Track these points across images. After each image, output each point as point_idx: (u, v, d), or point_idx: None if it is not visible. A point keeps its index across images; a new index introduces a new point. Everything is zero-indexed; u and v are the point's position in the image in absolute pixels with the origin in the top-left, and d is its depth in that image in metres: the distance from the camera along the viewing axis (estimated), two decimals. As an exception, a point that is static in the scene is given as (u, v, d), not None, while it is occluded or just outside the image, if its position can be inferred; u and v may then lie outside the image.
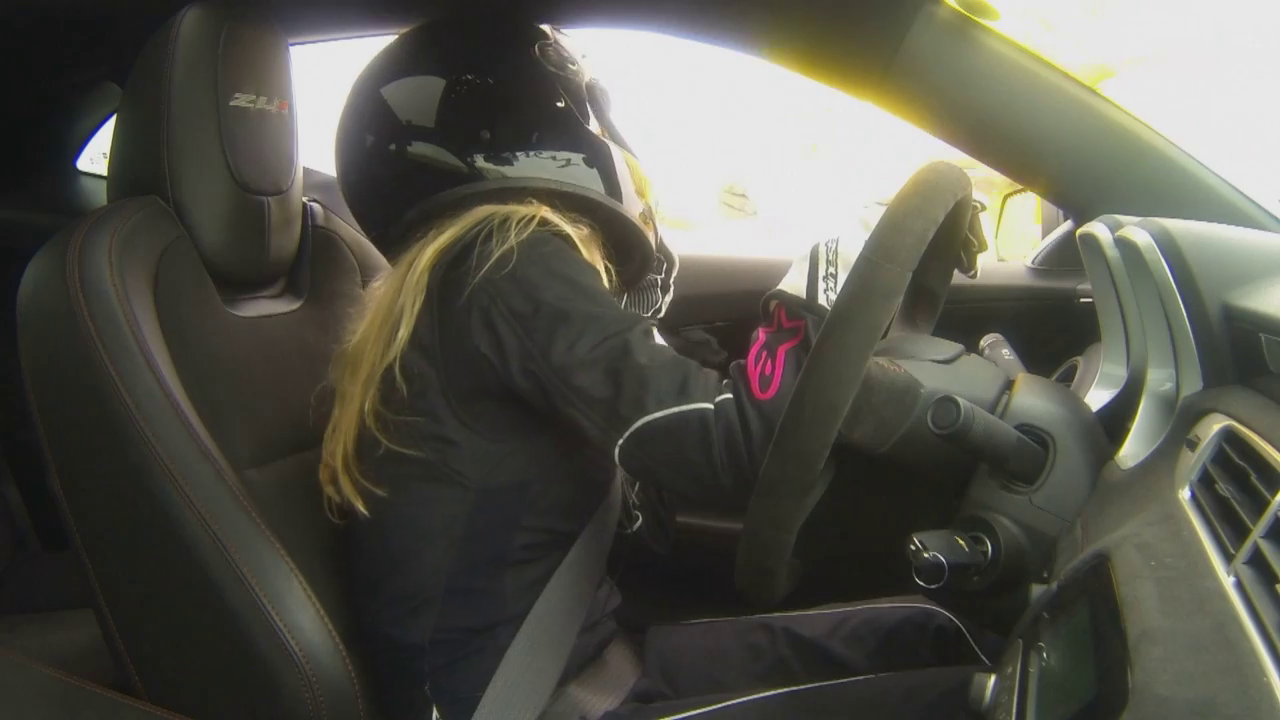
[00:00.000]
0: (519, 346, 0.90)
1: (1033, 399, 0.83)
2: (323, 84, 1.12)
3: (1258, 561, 0.50)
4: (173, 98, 0.98)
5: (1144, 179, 1.08)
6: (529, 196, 1.00)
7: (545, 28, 1.12)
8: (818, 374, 0.71)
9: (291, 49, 1.11)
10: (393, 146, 1.03)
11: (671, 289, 1.25)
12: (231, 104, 1.00)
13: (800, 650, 1.12)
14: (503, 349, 0.90)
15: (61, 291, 0.89)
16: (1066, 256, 1.45)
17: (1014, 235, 1.67)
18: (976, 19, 1.07)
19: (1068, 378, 1.11)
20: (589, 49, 1.14)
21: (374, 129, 1.05)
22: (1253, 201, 1.07)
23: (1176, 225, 0.79)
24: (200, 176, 1.00)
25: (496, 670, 0.96)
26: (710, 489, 0.86)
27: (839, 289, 0.82)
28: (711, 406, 0.86)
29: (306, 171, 1.15)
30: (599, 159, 1.06)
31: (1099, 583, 0.57)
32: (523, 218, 0.94)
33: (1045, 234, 1.60)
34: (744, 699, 0.99)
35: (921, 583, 0.76)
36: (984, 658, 1.07)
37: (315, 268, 1.18)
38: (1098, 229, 0.91)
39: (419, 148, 1.03)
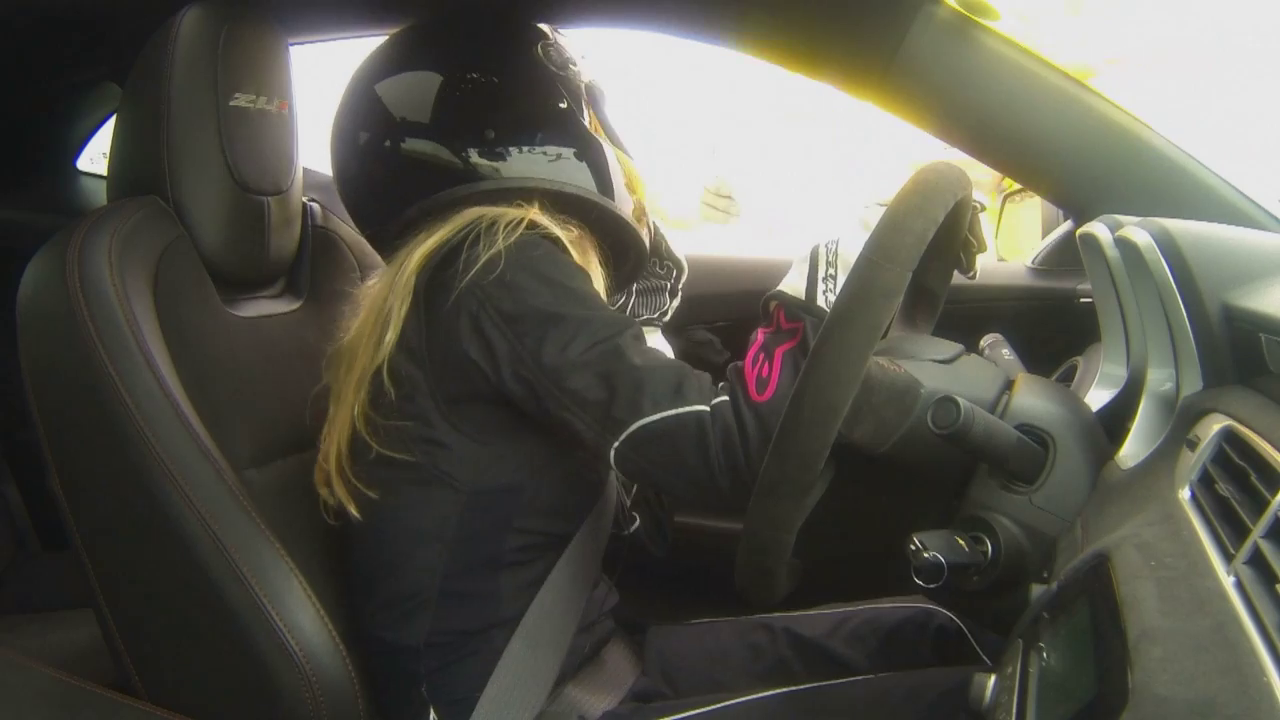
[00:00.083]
0: (510, 351, 0.90)
1: (1033, 399, 0.83)
2: (323, 84, 1.12)
3: (1258, 561, 0.50)
4: (172, 98, 0.98)
5: (1144, 179, 1.08)
6: (527, 197, 1.00)
7: (545, 28, 1.12)
8: (818, 374, 0.71)
9: (291, 49, 1.11)
10: (387, 143, 1.03)
11: (679, 294, 1.25)
12: (231, 104, 1.00)
13: (801, 650, 1.12)
14: (493, 354, 0.90)
15: (61, 291, 0.89)
16: (1066, 256, 1.45)
17: (1017, 241, 1.67)
18: (976, 19, 1.07)
19: (1068, 378, 1.11)
20: (587, 50, 1.14)
21: (368, 126, 1.05)
22: (1253, 201, 1.07)
23: (1176, 225, 0.79)
24: (200, 176, 1.00)
25: (493, 671, 0.96)
26: (707, 491, 0.86)
27: (839, 290, 0.82)
28: (707, 409, 0.86)
29: (306, 171, 1.15)
30: (599, 160, 1.06)
31: (1099, 583, 0.57)
32: (510, 220, 0.93)
33: (1045, 234, 1.60)
34: (744, 699, 0.99)
35: (921, 583, 0.76)
36: (985, 658, 1.07)
37: (315, 268, 1.18)
38: (1098, 229, 0.91)
39: (414, 144, 1.02)
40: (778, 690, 0.99)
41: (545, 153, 1.03)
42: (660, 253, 1.22)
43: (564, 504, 1.01)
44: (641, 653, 1.13)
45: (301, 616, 0.90)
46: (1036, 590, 0.69)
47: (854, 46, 1.13)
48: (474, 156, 1.02)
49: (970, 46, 1.08)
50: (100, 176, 1.78)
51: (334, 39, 1.43)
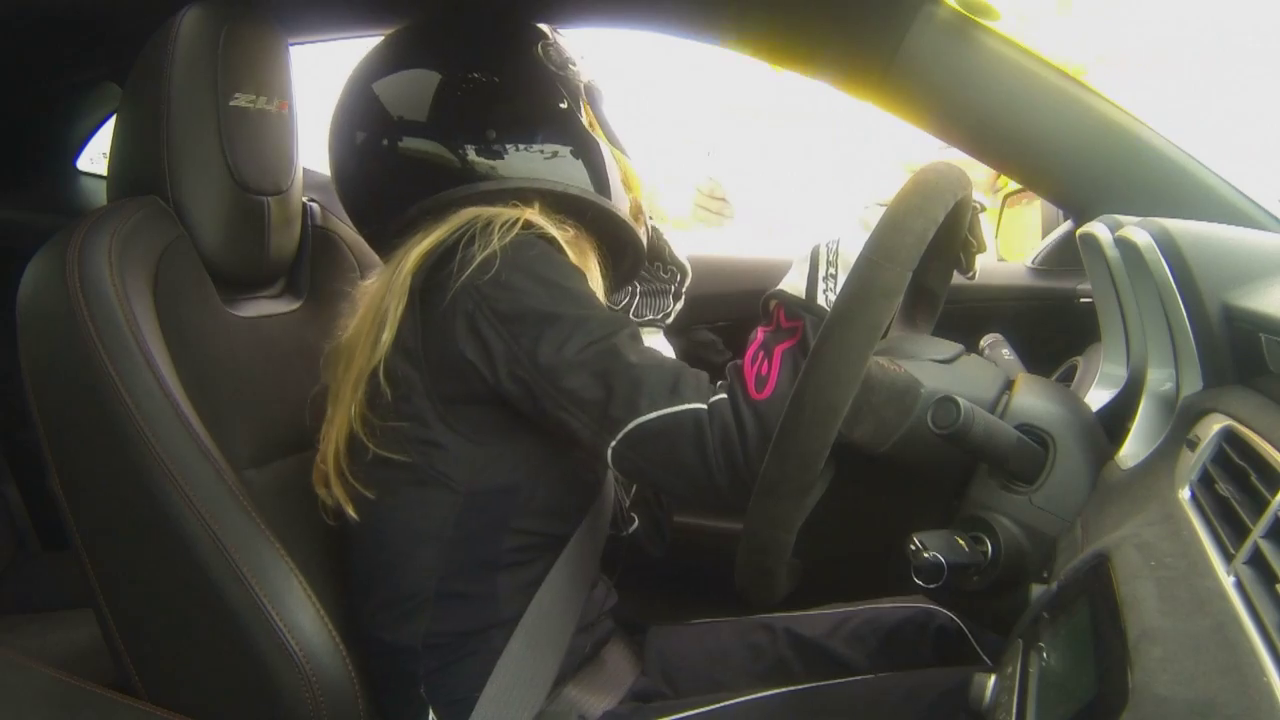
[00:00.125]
0: (506, 351, 0.90)
1: (1033, 399, 0.83)
2: (323, 84, 1.12)
3: (1258, 561, 0.50)
4: (172, 98, 0.97)
5: (1144, 179, 1.08)
6: (526, 197, 1.00)
7: (544, 28, 1.12)
8: (818, 373, 0.71)
9: (291, 49, 1.11)
10: (385, 142, 1.03)
11: (683, 297, 1.25)
12: (231, 104, 1.00)
13: (801, 650, 1.12)
14: (490, 354, 0.90)
15: (61, 291, 0.89)
16: (1066, 256, 1.45)
17: (1018, 242, 1.67)
18: (976, 19, 1.07)
19: (1068, 378, 1.11)
20: (586, 50, 1.14)
21: (366, 125, 1.05)
22: (1253, 201, 1.07)
23: (1176, 225, 0.79)
24: (200, 176, 1.00)
25: (492, 672, 0.96)
26: (705, 490, 0.86)
27: (839, 289, 0.82)
28: (705, 407, 0.86)
29: (306, 172, 1.15)
30: (598, 160, 1.06)
31: (1099, 583, 0.57)
32: (506, 221, 0.93)
33: (1045, 234, 1.60)
34: (744, 698, 0.99)
35: (921, 583, 0.76)
36: (985, 658, 1.07)
37: (315, 268, 1.18)
38: (1098, 229, 0.91)
39: (411, 143, 1.02)
40: (778, 690, 0.99)
41: (545, 152, 1.03)
42: (664, 257, 1.22)
43: (561, 504, 1.01)
44: (641, 653, 1.13)
45: (301, 616, 0.90)
46: (1036, 590, 0.69)
47: (854, 46, 1.13)
48: (473, 155, 1.01)
49: (970, 46, 1.08)
50: (100, 176, 1.78)
51: (334, 39, 1.43)
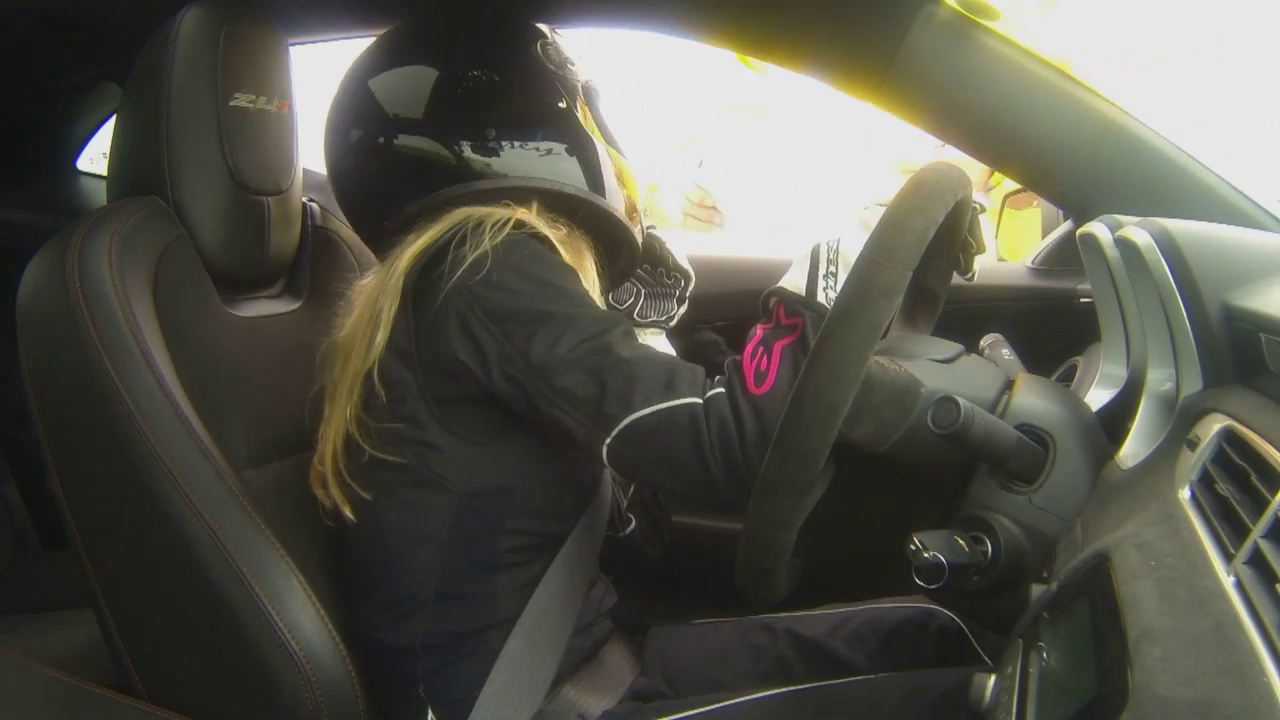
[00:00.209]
0: (498, 351, 0.89)
1: (1033, 399, 0.83)
2: (323, 84, 1.12)
3: (1258, 561, 0.50)
4: (172, 98, 0.98)
5: (1144, 179, 1.08)
6: (524, 196, 1.00)
7: (543, 27, 1.12)
8: (818, 373, 0.71)
9: (291, 49, 1.11)
10: (381, 140, 1.03)
11: (687, 301, 1.25)
12: (231, 104, 1.00)
13: (802, 650, 1.12)
14: (483, 354, 0.90)
15: (61, 292, 0.89)
16: (1066, 256, 1.45)
17: (1018, 243, 1.67)
18: (976, 19, 1.07)
19: (1068, 378, 1.11)
20: (583, 49, 1.14)
21: (361, 122, 1.05)
22: (1253, 201, 1.07)
23: (1176, 225, 0.79)
24: (200, 176, 1.00)
25: (490, 672, 0.96)
26: (702, 486, 0.86)
27: (839, 288, 0.82)
28: (700, 401, 0.86)
29: (306, 172, 1.15)
30: (596, 159, 1.06)
31: (1099, 583, 0.57)
32: (497, 221, 0.93)
33: (1045, 234, 1.60)
34: (744, 698, 0.99)
35: (921, 583, 0.76)
36: (985, 658, 1.07)
37: (315, 268, 1.18)
38: (1098, 229, 0.91)
39: (408, 141, 1.02)
40: (778, 690, 0.99)
41: (543, 151, 1.03)
42: (667, 264, 1.22)
43: (557, 505, 1.01)
44: (640, 653, 1.13)
45: (301, 616, 0.90)
46: (1036, 590, 0.69)
47: (854, 46, 1.13)
48: (470, 153, 1.01)
49: (970, 46, 1.08)
50: (100, 176, 1.78)
51: (334, 39, 1.43)
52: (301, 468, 1.02)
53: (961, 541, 0.77)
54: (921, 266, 0.75)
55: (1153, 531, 0.59)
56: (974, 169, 1.36)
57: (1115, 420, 0.86)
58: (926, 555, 0.74)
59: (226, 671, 0.92)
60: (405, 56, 1.06)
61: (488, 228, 0.92)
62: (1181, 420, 0.74)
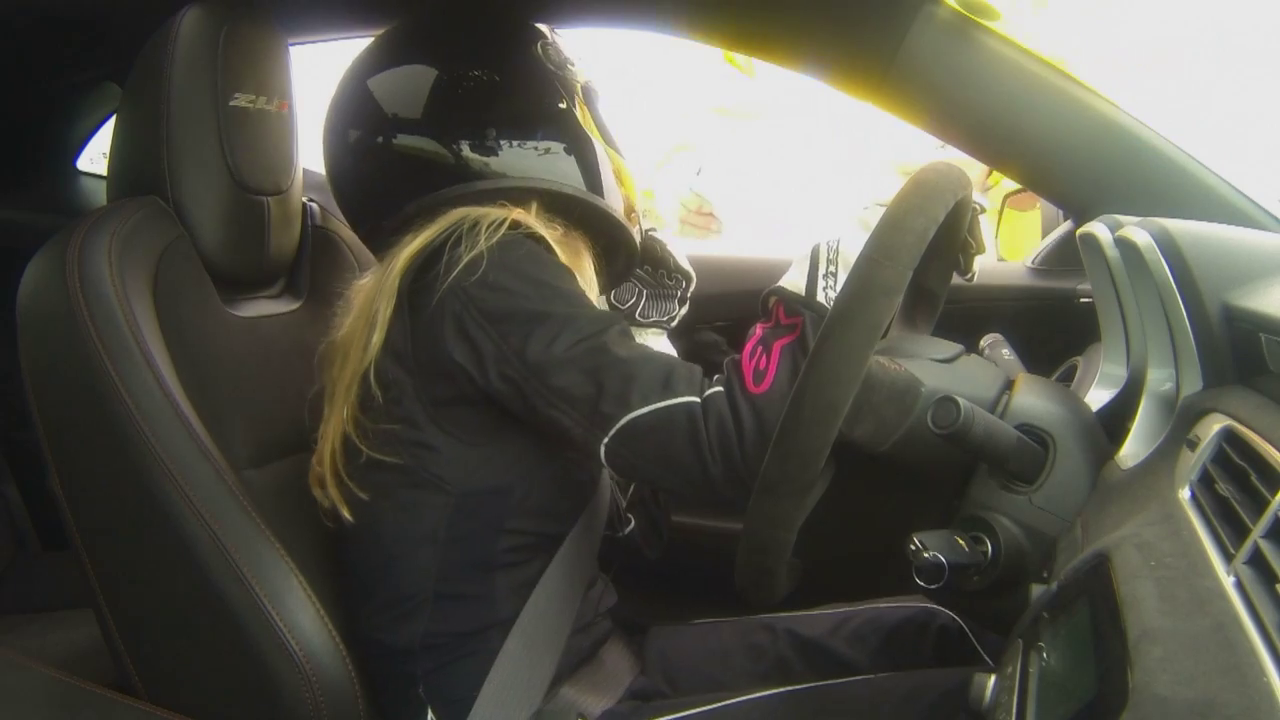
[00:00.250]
0: (495, 351, 0.89)
1: (1033, 399, 0.83)
2: (323, 84, 1.12)
3: (1258, 561, 0.50)
4: (172, 98, 0.98)
5: (1144, 179, 1.08)
6: (524, 197, 1.00)
7: (543, 27, 1.12)
8: (818, 372, 0.71)
9: (291, 49, 1.11)
10: (379, 139, 1.03)
11: (688, 303, 1.25)
12: (231, 104, 1.00)
13: (802, 650, 1.12)
14: (479, 355, 0.90)
15: (61, 292, 0.89)
16: (1066, 256, 1.45)
17: (1020, 247, 1.67)
18: (976, 19, 1.07)
19: (1068, 378, 1.11)
20: (583, 50, 1.14)
21: (360, 122, 1.05)
22: (1253, 201, 1.07)
23: (1176, 225, 0.79)
24: (200, 176, 1.00)
25: (489, 671, 0.96)
26: (700, 484, 0.86)
27: (839, 288, 0.82)
28: (698, 400, 0.86)
29: (306, 172, 1.15)
30: (595, 160, 1.06)
31: (1099, 583, 0.57)
32: (493, 221, 0.93)
33: (1045, 234, 1.60)
34: (744, 698, 0.99)
35: (921, 583, 0.76)
36: (986, 657, 1.07)
37: (315, 268, 1.18)
38: (1098, 229, 0.91)
39: (406, 140, 1.02)
40: (778, 689, 0.99)
41: (542, 151, 1.03)
42: (669, 266, 1.22)
43: (555, 505, 1.01)
44: (640, 653, 1.13)
45: (301, 616, 0.90)
46: (1036, 590, 0.69)
47: (854, 46, 1.13)
48: (469, 154, 1.01)
49: (970, 46, 1.08)
50: (100, 176, 1.78)
51: (334, 39, 1.43)
52: (301, 468, 1.02)
53: (961, 541, 0.77)
54: (921, 267, 0.75)
55: (1153, 531, 0.59)
56: (973, 169, 1.36)
57: (1115, 420, 0.86)
58: (926, 555, 0.74)
59: (226, 671, 0.92)
60: (404, 56, 1.06)
61: (483, 228, 0.92)
62: (1181, 420, 0.74)
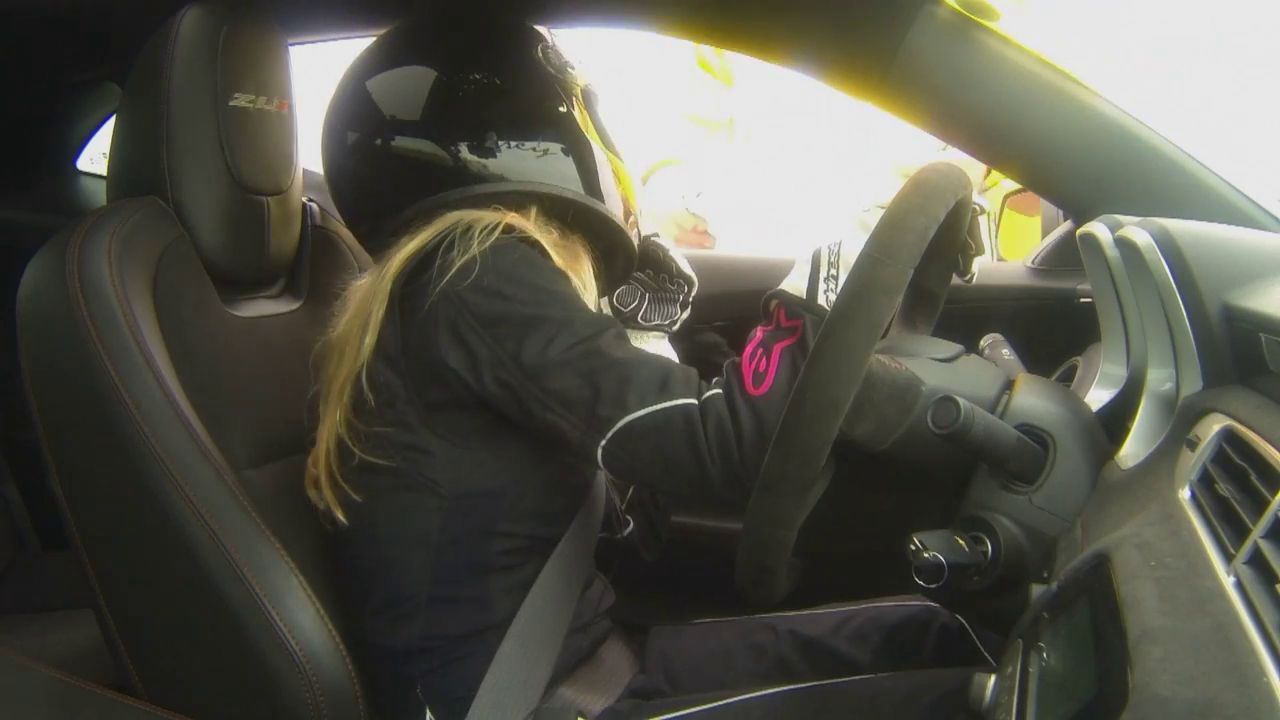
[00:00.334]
0: (490, 355, 0.89)
1: (1033, 399, 0.83)
2: (323, 84, 1.12)
3: (1258, 561, 0.50)
4: (172, 98, 0.98)
5: (1144, 179, 1.08)
6: (523, 201, 1.00)
7: (543, 30, 1.11)
8: (819, 370, 0.71)
9: (291, 49, 1.11)
10: (378, 141, 1.03)
11: (690, 307, 1.25)
12: (231, 104, 1.00)
13: (804, 649, 1.12)
14: (474, 359, 0.90)
15: (61, 292, 0.89)
16: (1066, 256, 1.45)
17: (1021, 249, 1.67)
18: (977, 19, 1.07)
19: (1068, 378, 1.11)
20: (583, 52, 1.14)
21: (358, 124, 1.04)
22: (1253, 201, 1.07)
23: (1176, 225, 0.79)
24: (200, 176, 1.00)
25: (487, 672, 0.96)
26: (698, 486, 0.86)
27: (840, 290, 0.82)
28: (695, 402, 0.86)
29: (306, 172, 1.15)
30: (595, 164, 1.06)
31: (1099, 583, 0.57)
32: (486, 225, 0.92)
33: (1045, 234, 1.60)
34: (744, 696, 0.99)
35: (921, 583, 0.76)
36: (988, 656, 1.07)
37: (315, 268, 1.18)
38: (1098, 229, 0.91)
39: (405, 143, 1.02)
40: (778, 688, 0.99)
41: (542, 155, 1.03)
42: (671, 270, 1.22)
43: (549, 507, 1.00)
44: (639, 652, 1.13)
45: (301, 616, 0.90)
46: (1036, 590, 0.69)
47: (854, 47, 1.13)
48: (468, 156, 1.01)
49: (970, 46, 1.08)
50: (100, 176, 1.78)
51: (334, 39, 1.43)
52: (301, 468, 1.02)
53: (961, 541, 0.77)
54: (921, 267, 0.75)
55: (1153, 531, 0.59)
56: (972, 170, 1.36)
57: (1115, 420, 0.86)
58: (926, 555, 0.74)
59: (226, 671, 0.92)
60: (404, 57, 1.06)
61: (476, 233, 0.91)
62: (1181, 420, 0.74)
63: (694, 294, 1.25)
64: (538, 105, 1.05)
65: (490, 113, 1.02)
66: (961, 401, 0.74)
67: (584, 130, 1.06)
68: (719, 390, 0.87)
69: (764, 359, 0.87)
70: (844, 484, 0.88)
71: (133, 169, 1.02)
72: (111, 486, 0.91)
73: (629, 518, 1.21)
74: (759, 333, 0.91)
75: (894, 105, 1.15)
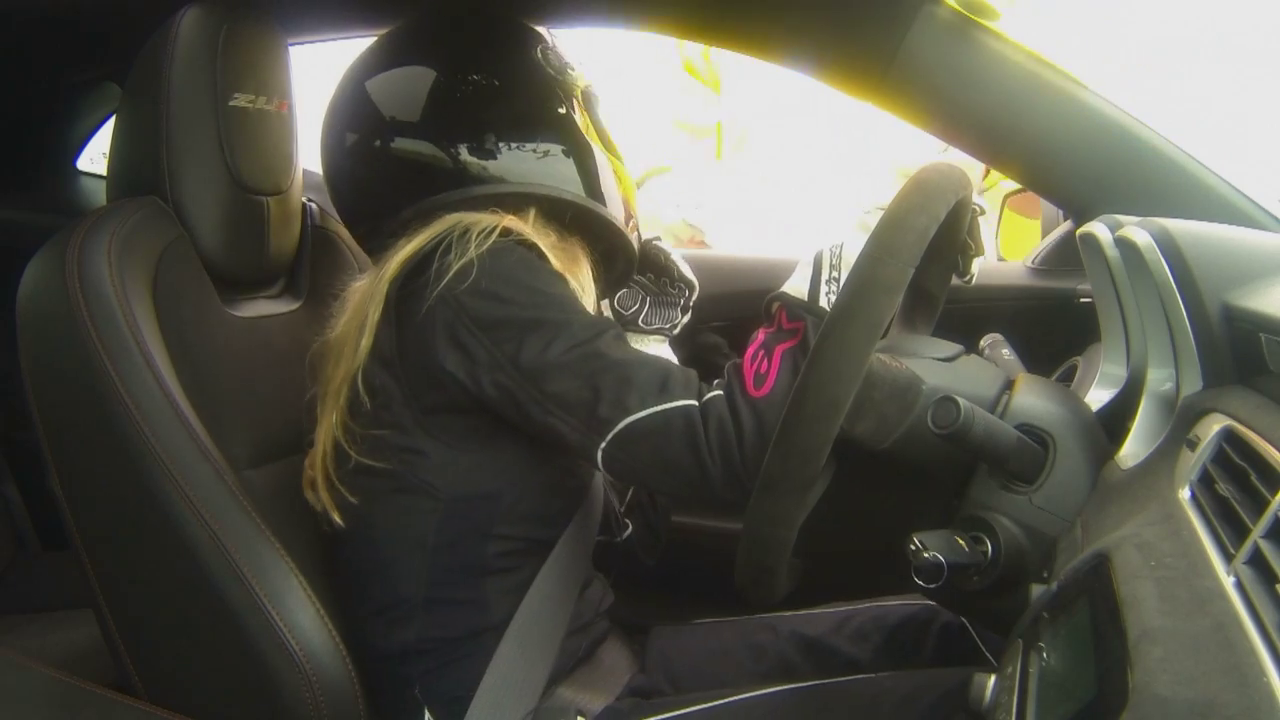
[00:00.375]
0: (488, 359, 0.89)
1: (1033, 399, 0.83)
2: (323, 84, 1.12)
3: (1258, 561, 0.50)
4: (172, 98, 0.98)
5: (1144, 179, 1.08)
6: (522, 202, 1.00)
7: (544, 31, 1.11)
8: (820, 368, 0.71)
9: (291, 49, 1.11)
10: (377, 142, 1.02)
11: (690, 311, 1.25)
12: (231, 104, 1.00)
13: (806, 649, 1.12)
14: (472, 363, 0.90)
15: (61, 292, 0.89)
16: (1066, 256, 1.45)
17: (1021, 249, 1.67)
18: (976, 19, 1.07)
19: (1068, 378, 1.11)
20: (584, 54, 1.14)
21: (357, 124, 1.04)
22: (1253, 201, 1.07)
23: (1176, 225, 0.79)
24: (199, 176, 1.00)
25: (485, 672, 0.96)
26: (699, 487, 0.86)
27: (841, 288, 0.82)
28: (695, 403, 0.85)
29: (306, 172, 1.15)
30: (594, 166, 1.05)
31: (1099, 583, 0.57)
32: (484, 229, 0.92)
33: (1045, 234, 1.60)
34: (745, 695, 0.99)
35: (921, 583, 0.76)
36: (990, 656, 1.07)
37: (315, 268, 1.18)
38: (1098, 229, 0.91)
39: (404, 144, 1.01)
40: (779, 687, 0.99)
41: (542, 156, 1.03)
42: (672, 275, 1.22)
43: (546, 510, 1.00)
44: (639, 651, 1.13)
45: (301, 616, 0.90)
46: (1036, 590, 0.69)
47: (854, 47, 1.13)
48: (467, 158, 1.01)
49: (970, 46, 1.08)
50: (100, 176, 1.78)
51: (334, 39, 1.43)
52: (300, 468, 1.02)
53: (961, 541, 0.77)
54: (921, 268, 0.75)
55: (1153, 531, 0.59)
56: (972, 171, 1.36)
57: (1115, 420, 0.86)
58: (926, 555, 0.74)
59: (226, 671, 0.92)
60: (403, 58, 1.06)
61: (473, 236, 0.91)
62: (1181, 420, 0.74)
63: (695, 298, 1.25)
64: (536, 106, 1.05)
65: (488, 114, 1.02)
66: (961, 401, 0.74)
67: (584, 132, 1.06)
68: (720, 391, 0.87)
69: (765, 360, 0.87)
70: (844, 484, 0.88)
71: (132, 169, 1.02)
72: (111, 486, 0.91)
73: (628, 521, 1.21)
74: (760, 335, 0.91)
75: (894, 105, 1.15)
